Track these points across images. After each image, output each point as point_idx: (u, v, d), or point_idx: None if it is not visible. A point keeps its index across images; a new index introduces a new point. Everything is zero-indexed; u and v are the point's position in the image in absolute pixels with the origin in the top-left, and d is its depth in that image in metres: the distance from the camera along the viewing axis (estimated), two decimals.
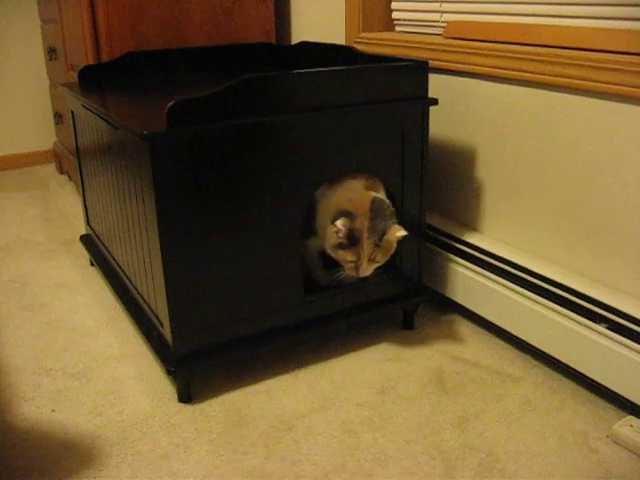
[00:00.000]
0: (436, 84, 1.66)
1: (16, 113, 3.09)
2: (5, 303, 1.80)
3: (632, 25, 1.29)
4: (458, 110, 1.64)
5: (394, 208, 1.42)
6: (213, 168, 1.25)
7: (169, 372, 1.33)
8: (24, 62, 3.04)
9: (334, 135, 1.36)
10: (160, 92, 1.72)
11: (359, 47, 1.81)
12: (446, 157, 1.71)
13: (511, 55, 1.44)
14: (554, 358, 1.40)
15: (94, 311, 1.75)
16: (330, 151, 1.37)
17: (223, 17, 2.21)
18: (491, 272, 1.51)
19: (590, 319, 1.30)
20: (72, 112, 1.86)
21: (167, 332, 1.32)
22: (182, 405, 1.35)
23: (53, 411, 1.34)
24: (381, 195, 1.42)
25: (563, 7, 1.42)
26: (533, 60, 1.39)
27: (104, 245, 1.83)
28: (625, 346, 1.24)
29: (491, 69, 1.49)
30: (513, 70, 1.44)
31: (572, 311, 1.33)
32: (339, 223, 1.34)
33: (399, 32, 1.93)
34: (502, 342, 1.56)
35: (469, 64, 1.55)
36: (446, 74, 1.65)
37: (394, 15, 1.94)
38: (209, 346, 1.35)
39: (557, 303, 1.36)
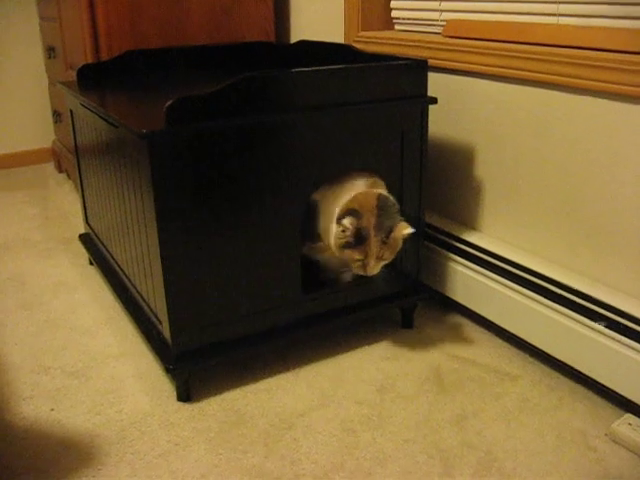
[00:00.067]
0: (435, 83, 1.66)
1: (15, 112, 3.09)
2: (4, 302, 1.80)
3: (630, 24, 1.30)
4: (457, 109, 1.64)
5: None
6: (212, 167, 1.25)
7: (168, 370, 1.33)
8: (23, 61, 3.04)
9: (333, 134, 1.36)
10: (159, 91, 1.72)
11: (358, 46, 1.81)
12: (445, 156, 1.71)
13: (510, 54, 1.44)
14: (552, 356, 1.40)
15: (93, 310, 1.75)
16: (329, 150, 1.37)
17: (222, 16, 2.21)
18: (490, 271, 1.51)
19: (589, 317, 1.30)
20: (71, 111, 1.86)
21: (166, 331, 1.32)
22: (181, 404, 1.35)
23: (52, 410, 1.35)
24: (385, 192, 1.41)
25: (561, 6, 1.42)
26: (532, 59, 1.39)
27: (103, 244, 1.83)
28: (624, 344, 1.24)
29: (490, 68, 1.49)
30: (512, 69, 1.44)
31: (571, 309, 1.34)
32: (346, 222, 1.33)
33: (398, 31, 1.93)
34: (500, 340, 1.56)
35: (468, 63, 1.55)
36: (445, 73, 1.65)
37: (393, 14, 1.94)
38: (208, 345, 1.35)
39: (556, 302, 1.37)
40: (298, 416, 1.31)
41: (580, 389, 1.38)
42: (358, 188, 1.39)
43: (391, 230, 1.36)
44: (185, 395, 1.36)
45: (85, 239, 2.00)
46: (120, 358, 1.52)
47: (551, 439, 1.24)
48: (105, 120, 1.48)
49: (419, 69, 1.43)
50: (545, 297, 1.39)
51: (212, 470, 1.18)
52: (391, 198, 1.39)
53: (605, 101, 1.29)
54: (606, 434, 1.24)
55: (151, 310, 1.43)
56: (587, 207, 1.37)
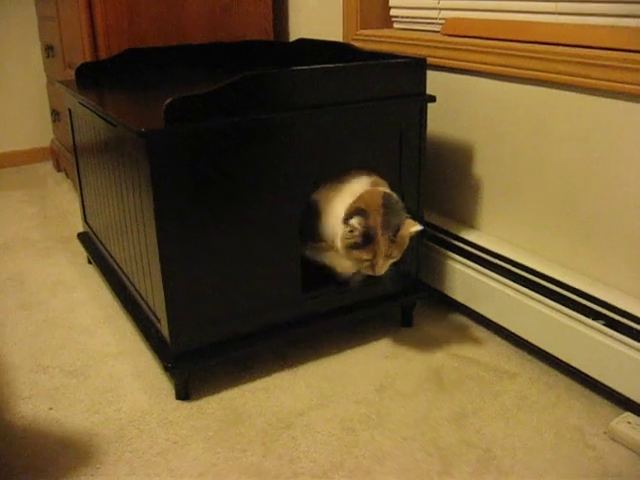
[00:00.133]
0: (434, 81, 1.66)
1: (13, 110, 3.09)
2: (2, 301, 1.80)
3: (630, 22, 1.29)
4: (456, 107, 1.64)
5: None
6: (211, 165, 1.25)
7: (167, 369, 1.33)
8: (21, 60, 3.04)
9: (332, 132, 1.36)
10: (158, 89, 1.72)
11: (357, 44, 1.81)
12: (444, 154, 1.71)
13: (509, 52, 1.44)
14: (551, 354, 1.40)
15: (92, 309, 1.74)
16: (328, 148, 1.37)
17: (221, 14, 2.21)
18: (489, 269, 1.51)
19: (587, 316, 1.30)
20: (69, 110, 1.86)
21: (165, 329, 1.32)
22: (179, 402, 1.35)
23: (50, 409, 1.34)
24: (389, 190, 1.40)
25: (560, 4, 1.42)
26: (531, 57, 1.39)
27: (101, 243, 1.83)
28: (622, 343, 1.24)
29: (489, 66, 1.49)
30: (511, 67, 1.44)
31: (569, 308, 1.34)
32: (355, 222, 1.30)
33: (397, 29, 1.93)
34: (499, 339, 1.56)
35: (467, 61, 1.55)
36: (444, 71, 1.65)
37: (392, 12, 1.94)
38: (207, 343, 1.35)
39: (554, 300, 1.37)
40: (297, 415, 1.31)
41: (578, 387, 1.38)
42: (362, 187, 1.38)
43: (398, 228, 1.34)
44: (184, 394, 1.36)
45: (84, 238, 2.00)
46: (119, 357, 1.52)
47: (549, 437, 1.24)
48: (104, 119, 1.48)
49: (418, 67, 1.43)
50: (544, 295, 1.39)
51: (210, 469, 1.18)
52: (395, 196, 1.38)
53: (605, 99, 1.28)
54: (604, 432, 1.24)
55: (150, 309, 1.43)
56: (586, 205, 1.37)
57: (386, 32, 1.87)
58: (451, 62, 1.60)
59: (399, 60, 1.43)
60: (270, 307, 1.40)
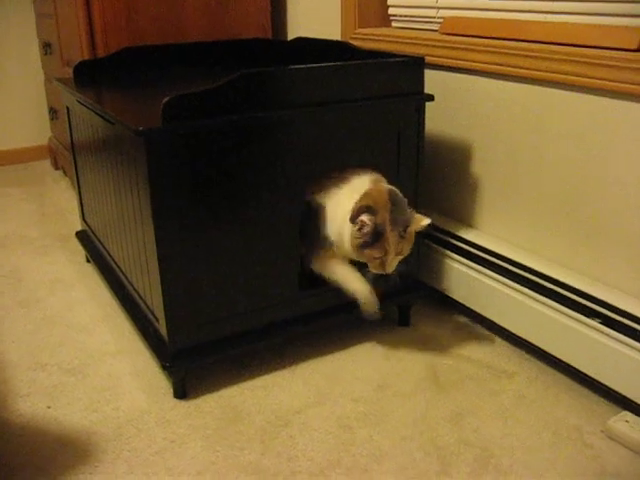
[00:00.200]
0: (432, 80, 1.66)
1: (11, 108, 3.08)
2: (0, 299, 1.80)
3: (627, 21, 1.30)
4: (454, 106, 1.64)
5: None
6: (209, 164, 1.25)
7: (165, 368, 1.33)
8: (19, 57, 3.03)
9: (330, 131, 1.36)
10: (156, 88, 1.72)
11: (355, 43, 1.81)
12: (442, 153, 1.71)
13: (507, 51, 1.44)
14: (548, 353, 1.40)
15: (90, 307, 1.74)
16: (326, 147, 1.37)
17: (219, 12, 2.21)
18: (487, 268, 1.51)
19: (585, 315, 1.31)
20: (67, 107, 1.85)
21: (163, 328, 1.32)
22: (178, 401, 1.35)
23: (49, 407, 1.34)
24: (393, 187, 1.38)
25: (558, 3, 1.42)
26: (529, 56, 1.39)
27: (100, 241, 1.82)
28: (619, 341, 1.24)
29: (487, 65, 1.49)
30: (509, 66, 1.44)
31: (566, 306, 1.34)
32: (365, 218, 1.28)
33: (395, 28, 1.93)
34: (497, 338, 1.56)
35: (465, 60, 1.55)
36: (442, 70, 1.65)
37: (390, 11, 1.93)
38: (205, 342, 1.35)
39: (552, 299, 1.37)
40: (294, 413, 1.32)
41: (576, 386, 1.38)
42: (365, 185, 1.36)
43: (407, 223, 1.33)
44: (182, 392, 1.36)
45: (82, 236, 1.99)
46: (117, 355, 1.52)
47: (547, 436, 1.24)
48: (102, 117, 1.48)
49: (416, 66, 1.43)
50: (542, 294, 1.39)
51: (209, 467, 1.18)
52: (399, 191, 1.37)
53: (603, 98, 1.29)
54: (602, 431, 1.25)
55: (148, 307, 1.43)
56: (584, 204, 1.37)
57: (384, 31, 1.87)
58: (449, 61, 1.60)
59: (397, 59, 1.43)
60: (268, 305, 1.40)
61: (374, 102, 1.39)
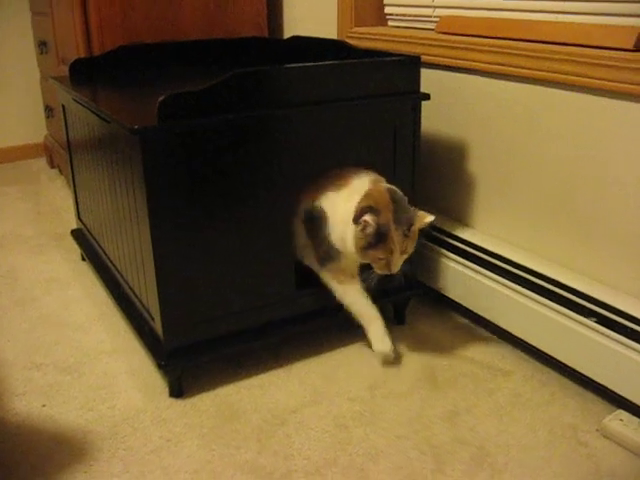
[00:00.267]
0: (428, 79, 1.66)
1: (7, 106, 3.07)
2: None
3: (627, 21, 1.30)
4: (450, 105, 1.64)
5: None
6: (205, 163, 1.25)
7: (160, 366, 1.33)
8: (15, 55, 3.02)
9: (326, 129, 1.36)
10: (152, 86, 1.72)
11: (351, 42, 1.81)
12: (438, 152, 1.71)
13: (504, 50, 1.44)
14: (544, 352, 1.40)
15: (85, 306, 1.74)
16: (322, 146, 1.37)
17: (215, 11, 2.20)
18: (483, 267, 1.52)
19: (580, 314, 1.31)
20: (63, 106, 1.85)
21: (158, 327, 1.32)
22: (173, 400, 1.35)
23: (44, 406, 1.34)
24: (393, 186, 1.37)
25: (557, 3, 1.42)
26: (526, 55, 1.39)
27: (95, 240, 1.82)
28: (614, 340, 1.25)
29: (484, 64, 1.50)
30: (506, 65, 1.44)
31: (562, 305, 1.34)
32: (368, 218, 1.26)
33: (392, 27, 1.93)
34: (493, 337, 1.56)
35: (462, 59, 1.55)
36: (439, 69, 1.65)
37: (387, 10, 1.93)
38: (200, 341, 1.35)
39: (547, 297, 1.37)
40: (291, 412, 1.32)
41: (571, 385, 1.38)
42: (365, 185, 1.34)
43: (410, 222, 1.31)
44: (177, 391, 1.36)
45: (77, 235, 1.99)
46: (113, 354, 1.52)
47: (543, 434, 1.24)
48: (97, 115, 1.47)
49: (412, 65, 1.43)
50: (537, 293, 1.39)
51: (205, 466, 1.18)
52: (398, 190, 1.36)
53: (600, 98, 1.29)
54: (597, 429, 1.25)
55: (143, 306, 1.43)
56: (581, 204, 1.37)
57: (381, 30, 1.86)
58: (446, 60, 1.60)
59: (393, 58, 1.43)
60: (264, 304, 1.40)
61: (370, 101, 1.39)
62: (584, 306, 1.31)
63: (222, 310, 1.35)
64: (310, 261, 1.45)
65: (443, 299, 1.66)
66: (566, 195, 1.40)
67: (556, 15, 1.43)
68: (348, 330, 1.59)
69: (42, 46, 2.66)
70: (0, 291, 1.83)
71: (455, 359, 1.49)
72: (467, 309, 1.59)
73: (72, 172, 1.92)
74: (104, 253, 1.74)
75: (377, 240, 1.29)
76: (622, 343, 1.23)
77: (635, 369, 1.21)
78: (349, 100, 1.37)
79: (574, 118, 1.34)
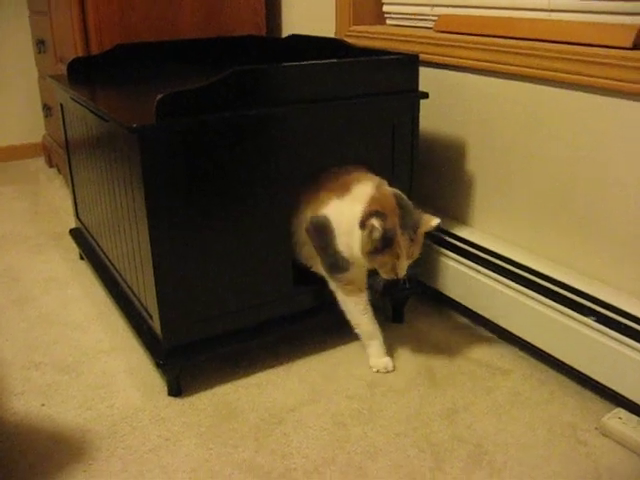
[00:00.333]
0: (427, 77, 1.66)
1: (5, 105, 3.07)
2: None
3: (621, 19, 1.30)
4: (449, 104, 1.64)
5: None
6: (203, 161, 1.25)
7: (159, 365, 1.33)
8: (13, 54, 3.02)
9: (324, 128, 1.36)
10: (150, 85, 1.72)
11: (349, 40, 1.81)
12: (437, 150, 1.71)
13: (502, 49, 1.44)
14: (543, 351, 1.40)
15: (84, 305, 1.74)
16: (320, 144, 1.36)
17: (213, 10, 2.20)
18: (481, 266, 1.52)
19: (579, 312, 1.31)
20: (61, 105, 1.85)
21: (156, 325, 1.32)
22: (172, 398, 1.35)
23: (43, 405, 1.34)
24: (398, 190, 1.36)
25: (554, 1, 1.42)
26: (523, 54, 1.39)
27: (94, 239, 1.82)
28: (613, 339, 1.25)
29: (482, 63, 1.49)
30: (504, 64, 1.44)
31: (561, 304, 1.34)
32: (375, 222, 1.24)
33: (390, 25, 1.93)
34: (491, 335, 1.56)
35: (460, 58, 1.55)
36: (437, 68, 1.65)
37: (385, 8, 1.93)
38: (199, 339, 1.35)
39: (547, 296, 1.37)
40: (289, 411, 1.32)
41: (570, 383, 1.38)
42: (369, 190, 1.33)
43: (416, 226, 1.30)
44: (176, 390, 1.36)
45: (76, 234, 1.99)
46: (111, 353, 1.52)
47: (542, 433, 1.24)
48: (95, 114, 1.47)
49: (410, 64, 1.43)
50: (536, 292, 1.39)
51: (203, 465, 1.18)
52: (403, 194, 1.34)
53: (598, 96, 1.29)
54: (596, 428, 1.25)
55: (142, 305, 1.42)
56: (578, 202, 1.37)
57: (379, 28, 1.86)
58: (444, 59, 1.60)
59: (391, 56, 1.43)
60: (262, 303, 1.40)
61: (368, 100, 1.39)
62: (583, 305, 1.31)
63: (220, 308, 1.35)
64: (318, 268, 1.45)
65: (442, 298, 1.66)
66: (564, 193, 1.40)
67: (556, 14, 1.43)
68: (346, 328, 1.59)
69: (40, 45, 2.66)
70: None
71: (454, 357, 1.49)
72: (466, 308, 1.59)
73: (70, 171, 1.92)
74: (102, 252, 1.74)
75: (384, 245, 1.27)
76: (621, 342, 1.23)
77: (634, 367, 1.21)
78: (347, 99, 1.37)
79: (573, 116, 1.34)
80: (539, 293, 1.38)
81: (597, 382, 1.30)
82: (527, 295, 1.41)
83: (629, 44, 1.22)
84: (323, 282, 1.44)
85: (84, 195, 1.83)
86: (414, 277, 1.40)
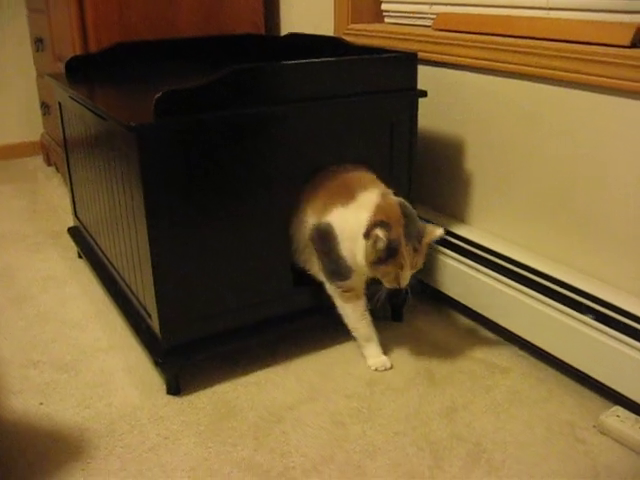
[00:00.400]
0: (425, 76, 1.66)
1: (3, 104, 3.06)
2: None
3: (620, 17, 1.30)
4: (447, 102, 1.64)
5: None
6: (202, 160, 1.25)
7: (157, 364, 1.33)
8: (11, 52, 3.01)
9: (323, 126, 1.36)
10: (148, 83, 1.71)
11: (348, 38, 1.81)
12: (435, 149, 1.71)
13: (500, 47, 1.44)
14: (541, 349, 1.40)
15: (82, 303, 1.74)
16: (319, 142, 1.36)
17: (212, 8, 2.20)
18: (480, 264, 1.52)
19: (577, 310, 1.31)
20: (59, 103, 1.84)
21: (155, 324, 1.32)
22: (170, 397, 1.35)
23: (41, 404, 1.34)
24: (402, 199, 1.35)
25: (555, 0, 1.43)
26: (522, 52, 1.39)
27: (92, 237, 1.82)
28: (611, 337, 1.25)
29: (480, 61, 1.49)
30: (502, 62, 1.44)
31: (560, 302, 1.34)
32: (379, 232, 1.23)
33: (388, 24, 1.93)
34: (490, 334, 1.56)
35: (458, 56, 1.55)
36: (436, 66, 1.65)
37: (383, 6, 1.93)
38: (197, 338, 1.35)
39: (546, 295, 1.37)
40: (287, 409, 1.32)
41: (569, 381, 1.38)
42: (374, 199, 1.31)
43: (420, 236, 1.30)
44: (175, 388, 1.36)
45: (74, 232, 1.99)
46: (109, 352, 1.52)
47: (540, 431, 1.25)
48: (94, 113, 1.47)
49: (409, 62, 1.43)
50: (534, 290, 1.39)
51: (202, 463, 1.18)
52: (407, 203, 1.33)
53: (596, 95, 1.29)
54: (594, 426, 1.25)
55: (140, 304, 1.42)
56: (577, 200, 1.37)
57: (377, 27, 1.86)
58: (442, 57, 1.60)
59: (390, 55, 1.43)
60: (261, 302, 1.40)
61: (367, 98, 1.39)
62: (582, 303, 1.31)
63: (219, 307, 1.35)
64: (315, 272, 1.44)
65: (441, 296, 1.66)
66: (563, 191, 1.40)
67: (554, 12, 1.43)
68: (345, 327, 1.59)
69: (38, 43, 2.65)
70: None
71: (452, 356, 1.49)
72: (465, 307, 1.59)
73: (69, 170, 1.92)
74: (101, 251, 1.74)
75: (388, 255, 1.27)
76: (619, 340, 1.23)
77: (632, 366, 1.22)
78: (346, 97, 1.37)
79: (572, 115, 1.34)
80: (538, 292, 1.38)
81: (595, 380, 1.30)
82: (526, 294, 1.41)
83: (627, 42, 1.22)
84: (321, 284, 1.44)
85: (82, 194, 1.83)
86: (416, 286, 1.38)
